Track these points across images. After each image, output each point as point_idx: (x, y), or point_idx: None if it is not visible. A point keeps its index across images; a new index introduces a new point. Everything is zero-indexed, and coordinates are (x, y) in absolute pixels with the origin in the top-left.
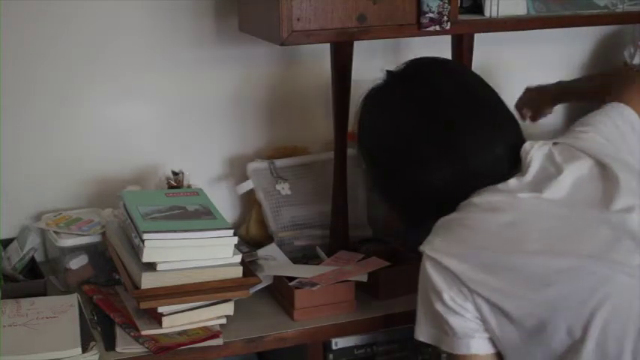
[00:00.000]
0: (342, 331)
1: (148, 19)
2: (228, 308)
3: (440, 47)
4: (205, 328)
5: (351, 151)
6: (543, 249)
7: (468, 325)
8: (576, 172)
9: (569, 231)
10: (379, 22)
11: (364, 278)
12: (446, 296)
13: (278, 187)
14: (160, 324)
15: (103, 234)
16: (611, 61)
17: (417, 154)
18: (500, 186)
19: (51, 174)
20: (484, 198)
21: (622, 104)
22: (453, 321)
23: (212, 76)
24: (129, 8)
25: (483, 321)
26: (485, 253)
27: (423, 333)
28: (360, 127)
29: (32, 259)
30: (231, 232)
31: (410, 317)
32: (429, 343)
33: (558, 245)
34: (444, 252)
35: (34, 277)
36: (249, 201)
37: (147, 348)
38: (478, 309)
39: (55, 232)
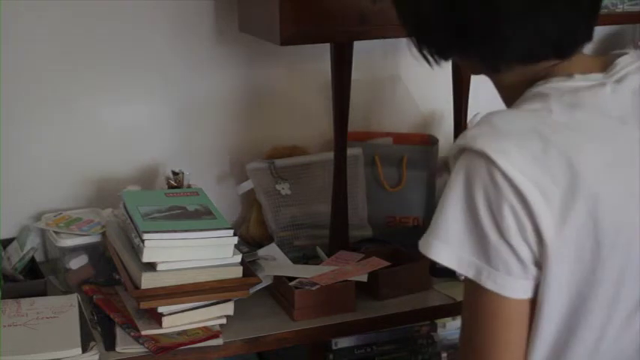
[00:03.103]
0: (342, 331)
1: (149, 19)
2: (228, 308)
3: None
4: (205, 328)
5: (351, 151)
6: None
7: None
8: None
9: None
10: (379, 22)
11: (364, 278)
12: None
13: (278, 187)
14: (159, 324)
15: (103, 234)
16: None
17: None
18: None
19: (51, 174)
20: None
21: None
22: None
23: (212, 76)
24: (129, 9)
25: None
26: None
27: (461, 261)
28: None
29: (32, 259)
30: (231, 232)
31: (410, 317)
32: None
33: None
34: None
35: (34, 277)
36: (249, 201)
37: (147, 348)
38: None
39: (55, 232)
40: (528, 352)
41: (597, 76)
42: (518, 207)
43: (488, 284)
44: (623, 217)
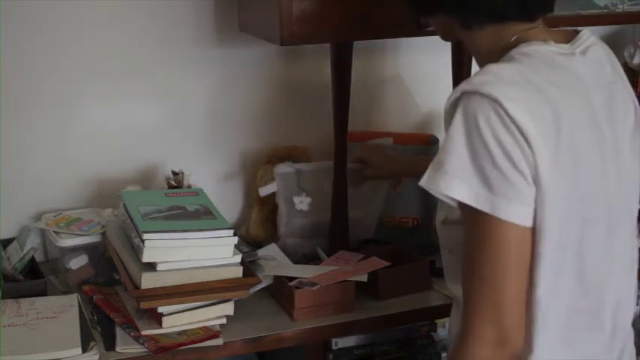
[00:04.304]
0: (342, 331)
1: (149, 19)
2: (228, 308)
3: (440, 47)
4: (205, 328)
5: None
6: None
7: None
8: None
9: None
10: (379, 22)
11: (364, 278)
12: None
13: (296, 199)
14: (159, 324)
15: (103, 234)
16: None
17: None
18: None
19: (51, 174)
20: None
21: None
22: (517, 181)
23: (212, 76)
24: (129, 9)
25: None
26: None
27: (470, 193)
28: None
29: (32, 259)
30: (231, 232)
31: (410, 317)
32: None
33: None
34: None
35: (34, 277)
36: (249, 200)
37: (147, 348)
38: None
39: (55, 232)
40: (533, 275)
41: (565, 46)
42: (521, 140)
43: (501, 213)
44: (593, 160)
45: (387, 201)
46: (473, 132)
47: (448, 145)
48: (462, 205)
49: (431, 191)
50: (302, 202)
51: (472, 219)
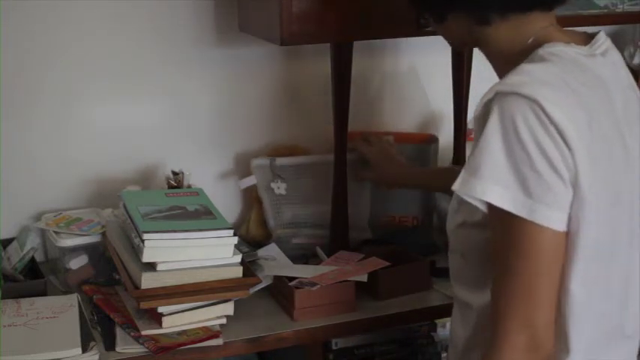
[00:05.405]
0: (342, 331)
1: (149, 19)
2: (228, 308)
3: (440, 47)
4: (205, 328)
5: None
6: None
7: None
8: None
9: None
10: (379, 22)
11: (364, 278)
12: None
13: (273, 185)
14: (159, 324)
15: (103, 234)
16: None
17: None
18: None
19: (51, 174)
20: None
21: None
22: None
23: (212, 76)
24: (129, 9)
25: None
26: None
27: (507, 198)
28: None
29: (32, 259)
30: (231, 232)
31: (410, 317)
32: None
33: None
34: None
35: (34, 277)
36: (249, 201)
37: (147, 348)
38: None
39: (55, 232)
40: (566, 280)
41: (584, 48)
42: (560, 142)
43: (539, 219)
44: (620, 164)
45: (387, 201)
46: (510, 134)
47: (483, 147)
48: (494, 209)
49: (464, 196)
50: (279, 188)
51: (506, 223)
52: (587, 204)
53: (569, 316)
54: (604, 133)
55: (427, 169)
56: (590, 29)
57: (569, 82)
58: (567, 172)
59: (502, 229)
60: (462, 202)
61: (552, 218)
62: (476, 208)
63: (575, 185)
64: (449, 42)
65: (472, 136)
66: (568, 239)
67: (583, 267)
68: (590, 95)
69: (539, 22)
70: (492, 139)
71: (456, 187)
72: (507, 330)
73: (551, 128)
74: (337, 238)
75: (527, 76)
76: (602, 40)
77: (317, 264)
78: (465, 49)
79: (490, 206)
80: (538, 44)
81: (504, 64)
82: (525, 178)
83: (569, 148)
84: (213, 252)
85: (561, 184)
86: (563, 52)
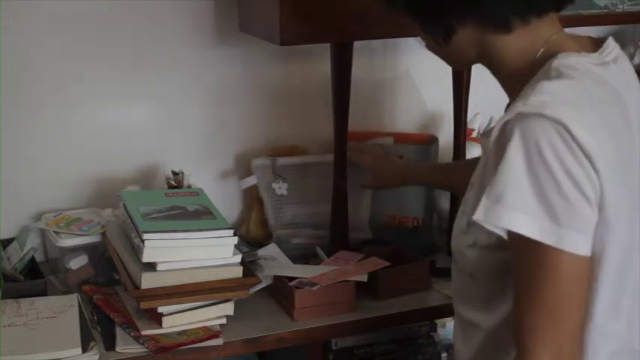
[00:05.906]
0: (342, 331)
1: (149, 19)
2: (228, 308)
3: None
4: (205, 328)
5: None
6: None
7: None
8: None
9: None
10: (379, 22)
11: (364, 278)
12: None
13: (274, 185)
14: (159, 324)
15: (103, 234)
16: None
17: None
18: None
19: (51, 174)
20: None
21: None
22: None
23: (212, 76)
24: (129, 8)
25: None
26: None
27: (534, 226)
28: None
29: (32, 259)
30: (231, 232)
31: (410, 317)
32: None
33: None
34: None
35: (34, 277)
36: (249, 201)
37: (147, 348)
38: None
39: (55, 232)
40: (590, 305)
41: (594, 55)
42: (587, 164)
43: (567, 246)
44: (636, 181)
45: (387, 201)
46: (534, 157)
47: (505, 173)
48: (519, 236)
49: (487, 226)
50: (280, 188)
51: (532, 250)
52: (612, 226)
53: (587, 336)
54: (622, 149)
55: (426, 165)
56: (590, 30)
57: (590, 99)
58: (593, 194)
59: (528, 256)
60: (473, 224)
61: (579, 243)
62: (491, 232)
63: (601, 207)
64: (450, 62)
65: (472, 136)
66: (592, 261)
67: (605, 288)
68: (609, 113)
69: (551, 28)
70: (515, 164)
71: (478, 216)
72: (534, 355)
73: (578, 150)
74: (337, 238)
75: (549, 96)
76: (612, 46)
77: (317, 264)
78: (465, 68)
79: (513, 232)
80: (550, 54)
81: (514, 78)
82: (551, 203)
83: (595, 170)
84: (213, 252)
85: (588, 207)
86: (578, 63)
